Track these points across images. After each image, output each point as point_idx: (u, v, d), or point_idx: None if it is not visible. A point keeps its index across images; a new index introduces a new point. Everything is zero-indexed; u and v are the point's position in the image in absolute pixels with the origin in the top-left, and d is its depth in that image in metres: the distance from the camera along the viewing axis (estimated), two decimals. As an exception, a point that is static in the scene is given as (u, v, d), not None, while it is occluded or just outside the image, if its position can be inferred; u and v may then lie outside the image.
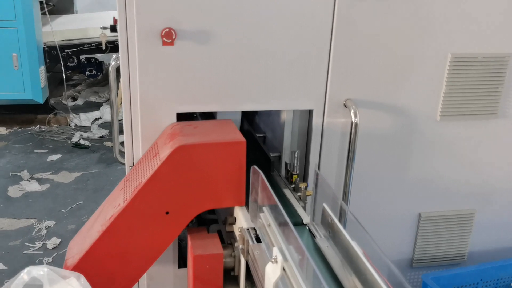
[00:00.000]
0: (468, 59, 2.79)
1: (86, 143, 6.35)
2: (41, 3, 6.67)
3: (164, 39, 2.38)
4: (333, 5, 2.54)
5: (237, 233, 2.33)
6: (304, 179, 2.83)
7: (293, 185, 2.56)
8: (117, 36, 2.50)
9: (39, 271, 2.03)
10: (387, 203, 3.00)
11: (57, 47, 6.64)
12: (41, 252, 4.15)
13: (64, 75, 6.88)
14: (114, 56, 2.79)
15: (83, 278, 2.08)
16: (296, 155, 2.63)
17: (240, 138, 2.34)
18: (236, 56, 2.52)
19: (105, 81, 8.28)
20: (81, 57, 7.08)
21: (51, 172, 5.54)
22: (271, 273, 1.79)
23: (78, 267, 2.28)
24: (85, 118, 6.99)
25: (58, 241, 4.28)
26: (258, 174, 2.17)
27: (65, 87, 7.11)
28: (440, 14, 2.69)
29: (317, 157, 2.78)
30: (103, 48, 6.46)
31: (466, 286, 3.01)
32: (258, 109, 2.69)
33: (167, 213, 2.31)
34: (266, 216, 2.11)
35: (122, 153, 2.89)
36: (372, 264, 1.69)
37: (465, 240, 3.21)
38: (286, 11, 2.50)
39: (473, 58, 2.80)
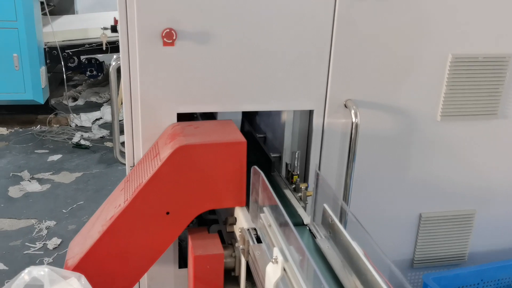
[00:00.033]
0: (468, 59, 2.79)
1: (87, 143, 6.35)
2: (41, 3, 6.68)
3: (165, 39, 2.38)
4: (334, 5, 2.54)
5: (237, 233, 2.33)
6: (305, 179, 2.82)
7: (293, 186, 2.56)
8: (118, 36, 2.50)
9: (39, 271, 2.03)
10: (387, 203, 3.00)
11: (58, 48, 6.64)
12: (42, 252, 4.15)
13: (64, 75, 6.88)
14: (114, 56, 2.79)
15: (83, 278, 2.08)
16: (296, 156, 2.63)
17: (241, 138, 2.34)
18: (237, 56, 2.52)
19: (105, 82, 8.28)
20: (82, 57, 7.08)
21: (51, 173, 5.54)
22: (271, 273, 1.79)
23: (78, 267, 2.28)
24: (85, 119, 6.99)
25: (58, 241, 4.28)
26: (259, 175, 2.17)
27: (65, 87, 7.12)
28: (440, 15, 2.69)
29: (317, 158, 2.78)
30: (104, 48, 6.46)
31: (466, 286, 3.01)
32: (259, 109, 2.69)
33: (167, 213, 2.31)
34: (266, 217, 2.11)
35: (122, 154, 2.89)
36: (373, 265, 1.69)
37: (466, 241, 3.21)
38: (286, 11, 2.50)
39: (473, 58, 2.80)
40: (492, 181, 3.13)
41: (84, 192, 5.14)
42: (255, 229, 2.19)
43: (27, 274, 2.03)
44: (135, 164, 2.60)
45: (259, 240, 2.12)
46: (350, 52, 2.63)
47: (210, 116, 2.95)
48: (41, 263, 3.99)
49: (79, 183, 5.34)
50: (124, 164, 2.75)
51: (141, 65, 2.44)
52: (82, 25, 7.22)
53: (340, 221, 2.05)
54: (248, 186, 2.34)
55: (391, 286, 1.59)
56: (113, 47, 6.55)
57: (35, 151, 6.10)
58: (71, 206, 4.85)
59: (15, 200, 4.96)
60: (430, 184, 3.01)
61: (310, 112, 2.74)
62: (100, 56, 7.31)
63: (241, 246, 2.18)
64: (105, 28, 6.21)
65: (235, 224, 2.42)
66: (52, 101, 7.22)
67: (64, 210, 4.77)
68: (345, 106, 2.69)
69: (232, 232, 2.44)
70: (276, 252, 1.79)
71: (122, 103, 2.59)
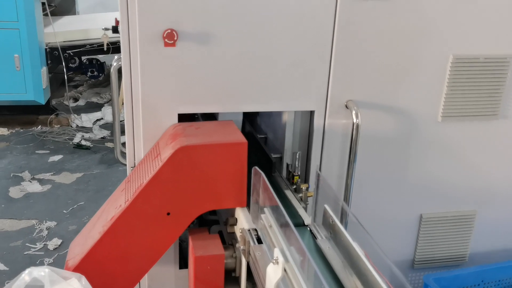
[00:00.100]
0: (469, 60, 2.79)
1: (88, 144, 6.35)
2: (43, 4, 6.67)
3: (166, 40, 2.39)
4: (335, 6, 2.54)
5: (238, 234, 2.33)
6: (306, 180, 2.83)
7: (294, 186, 2.56)
8: (119, 37, 2.50)
9: (40, 272, 2.03)
10: (388, 204, 3.00)
11: (59, 48, 6.64)
12: (42, 253, 4.15)
13: (65, 76, 6.88)
14: (115, 57, 2.79)
15: (84, 279, 2.08)
16: (297, 156, 2.63)
17: (242, 139, 2.34)
18: (238, 57, 2.52)
19: (106, 82, 8.28)
20: (83, 58, 7.08)
21: (52, 173, 5.54)
22: (272, 274, 1.79)
23: (79, 268, 2.28)
24: (86, 119, 6.99)
25: (59, 242, 4.27)
26: (260, 175, 2.17)
27: (66, 88, 7.11)
28: (441, 16, 2.69)
29: (318, 158, 2.78)
30: (105, 49, 6.47)
31: (467, 287, 3.01)
32: (260, 110, 2.69)
33: (168, 214, 2.31)
34: (267, 217, 2.11)
35: (123, 154, 2.89)
36: (374, 265, 1.69)
37: (467, 241, 3.21)
38: (287, 12, 2.50)
39: (474, 59, 2.80)
40: (492, 182, 3.13)
41: (84, 193, 5.14)
42: (255, 230, 2.19)
43: (27, 275, 2.03)
44: (136, 165, 2.60)
45: (259, 241, 2.12)
46: (351, 52, 2.63)
47: (211, 116, 2.95)
48: (41, 263, 3.98)
49: (79, 184, 5.34)
50: (125, 165, 2.75)
51: (142, 66, 2.44)
52: (83, 26, 7.22)
53: (341, 221, 2.05)
54: (249, 186, 2.34)
55: (391, 286, 1.59)
56: (114, 47, 6.55)
57: (36, 151, 6.10)
58: (72, 206, 4.85)
59: (16, 200, 4.96)
60: (431, 184, 3.01)
61: (311, 113, 2.74)
62: (101, 57, 7.31)
63: (241, 247, 2.18)
64: (106, 29, 6.22)
65: (235, 224, 2.42)
66: (53, 102, 7.22)
67: (64, 211, 4.77)
68: (346, 106, 2.69)
69: (233, 233, 2.44)
70: (276, 252, 1.78)
71: (123, 104, 2.59)
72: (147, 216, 2.30)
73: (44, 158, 5.91)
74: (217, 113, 2.83)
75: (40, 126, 6.84)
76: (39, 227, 4.48)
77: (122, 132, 2.74)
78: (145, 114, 2.52)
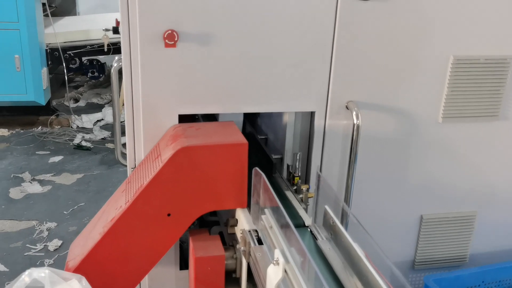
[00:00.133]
0: (470, 61, 2.79)
1: (88, 144, 6.35)
2: (43, 4, 6.68)
3: (167, 41, 2.38)
4: (335, 7, 2.54)
5: (238, 235, 2.33)
6: (306, 181, 2.82)
7: (295, 187, 2.56)
8: (120, 38, 2.50)
9: (40, 273, 2.03)
10: (389, 205, 3.00)
11: (60, 49, 6.64)
12: (43, 254, 4.15)
13: (66, 76, 6.88)
14: (116, 57, 2.79)
15: (84, 280, 2.08)
16: (298, 157, 2.63)
17: (242, 140, 2.34)
18: (238, 58, 2.52)
19: (107, 83, 8.29)
20: (83, 58, 7.08)
21: (52, 174, 5.54)
22: (272, 275, 1.79)
23: (79, 269, 2.28)
24: (87, 120, 6.99)
25: (59, 243, 4.27)
26: (260, 176, 2.17)
27: (67, 88, 7.12)
28: (442, 17, 2.69)
29: (319, 159, 2.78)
30: (106, 50, 6.47)
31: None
32: (260, 111, 2.69)
33: (168, 215, 2.31)
34: (268, 218, 2.10)
35: (124, 155, 2.89)
36: (374, 266, 1.69)
37: (467, 242, 3.21)
38: (288, 13, 2.50)
39: (475, 60, 2.80)
40: (493, 183, 3.13)
41: (85, 194, 5.14)
42: (256, 231, 2.19)
43: (27, 276, 2.03)
44: (136, 166, 2.60)
45: (260, 242, 2.12)
46: (351, 53, 2.63)
47: (211, 117, 2.95)
48: (41, 264, 3.98)
49: (80, 185, 5.34)
50: (125, 166, 2.75)
51: (143, 67, 2.44)
52: (84, 27, 7.22)
53: (341, 222, 2.05)
54: (249, 187, 2.34)
55: (392, 287, 1.59)
56: (115, 48, 6.55)
57: (36, 152, 6.11)
58: (72, 207, 4.85)
59: (16, 201, 4.96)
60: (431, 185, 3.01)
61: (312, 114, 2.74)
62: (101, 58, 7.31)
63: (242, 248, 2.18)
64: (106, 30, 6.23)
65: (236, 225, 2.42)
66: (54, 103, 7.22)
67: (65, 212, 4.77)
68: (347, 107, 2.69)
69: (233, 234, 2.44)
70: (277, 253, 1.78)
71: (123, 105, 2.59)
72: (148, 217, 2.30)
73: (45, 159, 5.91)
74: (218, 114, 2.83)
75: (40, 127, 6.85)
76: (39, 228, 4.48)
77: (123, 133, 2.74)
78: (146, 115, 2.52)
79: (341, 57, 2.62)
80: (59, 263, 3.98)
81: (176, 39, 2.39)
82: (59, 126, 6.89)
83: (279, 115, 2.90)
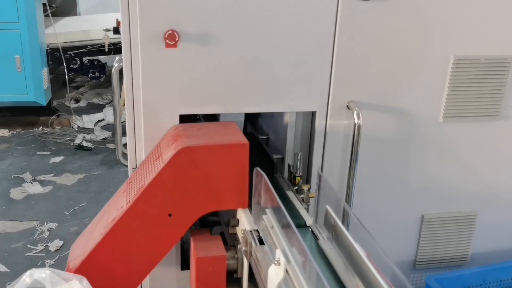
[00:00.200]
0: (470, 61, 2.79)
1: (89, 145, 6.35)
2: (44, 5, 6.67)
3: (167, 41, 2.38)
4: (336, 7, 2.54)
5: (240, 235, 2.33)
6: (307, 181, 2.82)
7: (296, 187, 2.56)
8: (120, 38, 2.50)
9: (41, 274, 2.03)
10: (390, 205, 2.99)
11: (60, 49, 6.64)
12: (43, 254, 4.15)
13: (67, 77, 6.88)
14: (117, 58, 2.79)
15: (85, 281, 2.08)
16: (299, 157, 2.63)
17: (243, 140, 2.34)
18: (239, 58, 2.52)
19: (108, 83, 8.29)
20: (84, 59, 7.08)
21: (53, 174, 5.54)
22: (274, 275, 1.79)
23: (80, 270, 2.28)
24: (88, 120, 6.99)
25: (60, 243, 4.27)
26: (261, 176, 2.17)
27: (68, 89, 7.11)
28: (443, 16, 2.69)
29: (320, 159, 2.78)
30: (106, 50, 6.47)
31: (469, 287, 3.01)
32: (261, 111, 2.69)
33: (170, 215, 2.31)
34: (269, 218, 2.10)
35: (125, 155, 2.89)
36: (375, 266, 1.69)
37: (468, 242, 3.21)
38: (288, 13, 2.50)
39: (475, 60, 2.80)
40: (494, 182, 3.12)
41: (86, 194, 5.14)
42: (257, 231, 2.19)
43: (28, 277, 2.03)
44: (137, 166, 2.60)
45: (261, 242, 2.12)
46: (352, 53, 2.63)
47: (212, 117, 2.95)
48: (42, 265, 3.99)
49: (81, 185, 5.34)
50: (126, 166, 2.75)
51: (144, 67, 2.44)
52: (85, 27, 7.22)
53: (343, 222, 2.04)
54: (250, 187, 2.34)
55: (393, 287, 1.59)
56: (116, 48, 6.55)
57: (37, 152, 6.11)
58: (73, 208, 4.85)
59: (17, 202, 4.96)
60: (432, 185, 3.01)
61: (313, 114, 2.74)
62: (102, 58, 7.31)
63: (243, 248, 2.18)
64: (107, 30, 6.22)
65: (237, 225, 2.42)
66: (54, 103, 7.22)
67: (66, 212, 4.77)
68: (348, 107, 2.69)
69: (235, 234, 2.44)
70: (278, 253, 1.78)
71: (124, 105, 2.59)
72: (149, 217, 2.30)
73: (45, 159, 5.91)
74: (219, 114, 2.83)
75: (41, 127, 6.85)
76: (40, 229, 4.48)
77: (124, 133, 2.74)
78: (147, 115, 2.52)
79: (342, 57, 2.62)
80: (60, 264, 3.98)
81: (176, 39, 2.39)
82: (60, 127, 6.89)
83: (280, 115, 2.90)
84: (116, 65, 2.80)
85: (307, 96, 2.65)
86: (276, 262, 1.78)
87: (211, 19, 2.43)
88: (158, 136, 2.55)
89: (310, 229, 2.20)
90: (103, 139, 6.56)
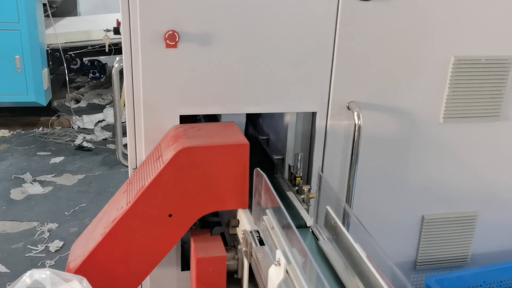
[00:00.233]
0: (471, 61, 2.79)
1: (89, 145, 6.35)
2: (44, 5, 6.67)
3: (168, 41, 2.38)
4: (336, 7, 2.54)
5: (240, 235, 2.33)
6: (308, 181, 2.82)
7: (296, 188, 2.56)
8: (121, 38, 2.50)
9: (41, 274, 2.03)
10: (390, 205, 2.99)
11: (60, 49, 6.64)
12: (44, 255, 4.15)
13: (67, 77, 6.88)
14: (117, 58, 2.79)
15: (85, 281, 2.08)
16: (299, 158, 2.63)
17: (244, 140, 2.34)
18: (240, 58, 2.52)
19: (108, 84, 8.29)
20: (84, 59, 7.08)
21: (54, 175, 5.55)
22: (274, 275, 1.78)
23: (80, 270, 2.28)
24: (88, 121, 6.99)
25: (60, 243, 4.27)
26: (262, 177, 2.17)
27: (68, 89, 7.11)
28: (443, 17, 2.69)
29: (320, 160, 2.78)
30: (107, 50, 6.46)
31: (469, 288, 3.02)
32: (262, 111, 2.69)
33: (170, 215, 2.31)
34: (269, 219, 2.10)
35: (125, 156, 2.88)
36: (375, 267, 1.69)
37: (468, 242, 3.21)
38: (289, 14, 2.50)
39: (476, 60, 2.80)
40: (494, 183, 3.12)
41: (86, 194, 5.14)
42: (257, 231, 2.19)
43: (28, 277, 2.03)
44: (137, 166, 2.60)
45: (261, 242, 2.12)
46: (353, 54, 2.63)
47: (213, 118, 2.95)
48: (42, 265, 3.99)
49: (81, 185, 5.34)
50: (127, 166, 2.75)
51: (144, 67, 2.44)
52: (85, 27, 7.22)
53: (343, 223, 2.04)
54: (250, 188, 2.34)
55: (393, 288, 1.59)
56: (116, 49, 6.54)
57: (37, 153, 6.11)
58: (73, 208, 4.85)
59: (17, 202, 4.96)
60: (433, 185, 3.01)
61: (313, 114, 2.74)
62: (102, 58, 7.31)
63: (243, 249, 2.18)
64: (107, 30, 6.21)
65: (237, 226, 2.42)
66: (55, 103, 7.22)
67: (66, 213, 4.77)
68: (348, 108, 2.69)
69: (235, 234, 2.44)
70: (278, 254, 1.78)
71: (124, 105, 2.59)
72: (149, 218, 2.30)
73: (46, 160, 5.91)
74: (220, 116, 2.82)
75: (41, 127, 6.85)
76: (40, 229, 4.48)
77: (124, 134, 2.74)
78: (147, 116, 2.52)
79: (342, 57, 2.62)
80: (60, 264, 3.98)
81: (177, 39, 2.39)
82: (60, 127, 6.89)
83: (281, 115, 2.90)
84: (116, 65, 2.80)
85: (308, 96, 2.65)
86: (276, 263, 1.78)
87: (211, 19, 2.43)
88: (159, 137, 2.55)
89: (311, 230, 2.20)
90: (103, 139, 6.56)
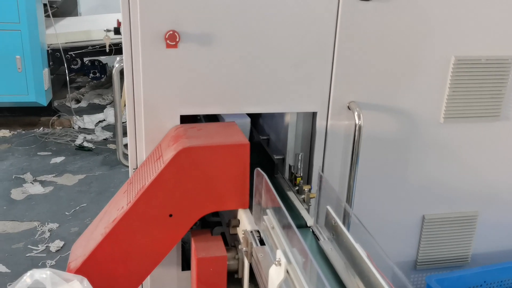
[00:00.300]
0: (471, 61, 2.79)
1: (90, 145, 6.35)
2: (44, 5, 6.67)
3: (168, 41, 2.38)
4: (337, 7, 2.54)
5: (240, 235, 2.33)
6: (308, 181, 2.82)
7: (296, 188, 2.56)
8: (121, 38, 2.50)
9: (42, 274, 2.03)
10: (390, 205, 2.99)
11: (61, 50, 6.64)
12: (44, 255, 4.15)
13: (67, 77, 6.88)
14: (118, 58, 2.79)
15: (86, 281, 2.08)
16: (299, 158, 2.62)
17: (244, 140, 2.34)
18: (240, 58, 2.52)
19: (108, 84, 8.29)
20: (85, 59, 7.08)
21: (54, 175, 5.55)
22: (274, 275, 1.79)
23: (81, 270, 2.28)
24: (88, 121, 6.99)
25: (61, 243, 4.28)
26: (262, 177, 2.17)
27: (68, 89, 7.11)
28: (443, 17, 2.68)
29: (320, 160, 2.78)
30: (107, 50, 6.46)
31: (469, 288, 3.02)
32: (262, 111, 2.69)
33: (170, 215, 2.31)
34: (269, 219, 2.10)
35: (125, 156, 2.89)
36: (376, 266, 1.69)
37: (469, 242, 3.21)
38: (289, 14, 2.50)
39: (476, 60, 2.80)
40: (494, 183, 3.12)
41: (87, 194, 5.14)
42: (258, 231, 2.19)
43: (29, 277, 2.03)
44: (138, 166, 2.60)
45: (262, 242, 2.12)
46: (353, 54, 2.63)
47: (213, 118, 2.95)
48: (43, 265, 3.99)
49: (82, 185, 5.34)
50: (127, 166, 2.75)
51: (144, 67, 2.44)
52: (85, 27, 7.22)
53: (343, 223, 2.04)
54: (251, 188, 2.34)
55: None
56: (117, 49, 6.54)
57: (38, 153, 6.11)
58: (74, 208, 4.85)
59: (18, 202, 4.96)
60: (433, 185, 3.01)
61: (314, 114, 2.74)
62: (103, 58, 7.31)
63: (244, 248, 2.18)
64: (108, 30, 6.21)
65: (238, 226, 2.42)
66: (55, 103, 7.22)
67: (67, 213, 4.77)
68: (349, 108, 2.69)
69: (235, 234, 2.44)
70: (279, 254, 1.78)
71: (125, 105, 2.59)
72: (149, 218, 2.30)
73: (46, 160, 5.91)
74: (223, 118, 2.82)
75: (42, 127, 6.85)
76: (41, 229, 4.48)
77: (124, 134, 2.74)
78: (147, 116, 2.52)
79: (342, 57, 2.62)
80: (61, 264, 3.98)
81: (177, 39, 2.39)
82: (60, 127, 6.89)
83: (281, 115, 2.90)
84: (117, 65, 2.80)
85: (308, 96, 2.65)
86: (277, 263, 1.78)
87: (211, 19, 2.43)
88: (159, 137, 2.55)
89: (311, 230, 2.20)
90: (104, 139, 6.56)
